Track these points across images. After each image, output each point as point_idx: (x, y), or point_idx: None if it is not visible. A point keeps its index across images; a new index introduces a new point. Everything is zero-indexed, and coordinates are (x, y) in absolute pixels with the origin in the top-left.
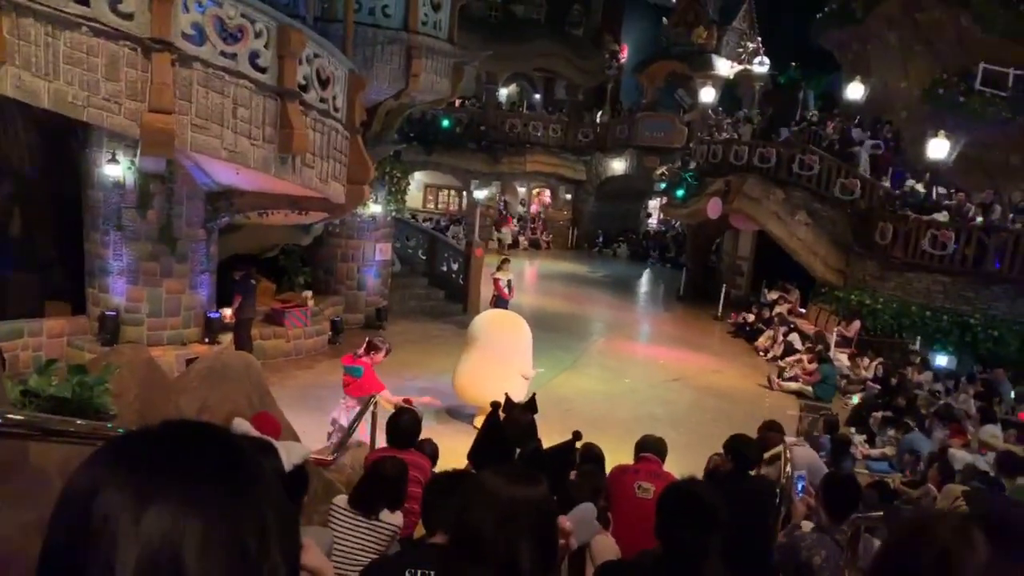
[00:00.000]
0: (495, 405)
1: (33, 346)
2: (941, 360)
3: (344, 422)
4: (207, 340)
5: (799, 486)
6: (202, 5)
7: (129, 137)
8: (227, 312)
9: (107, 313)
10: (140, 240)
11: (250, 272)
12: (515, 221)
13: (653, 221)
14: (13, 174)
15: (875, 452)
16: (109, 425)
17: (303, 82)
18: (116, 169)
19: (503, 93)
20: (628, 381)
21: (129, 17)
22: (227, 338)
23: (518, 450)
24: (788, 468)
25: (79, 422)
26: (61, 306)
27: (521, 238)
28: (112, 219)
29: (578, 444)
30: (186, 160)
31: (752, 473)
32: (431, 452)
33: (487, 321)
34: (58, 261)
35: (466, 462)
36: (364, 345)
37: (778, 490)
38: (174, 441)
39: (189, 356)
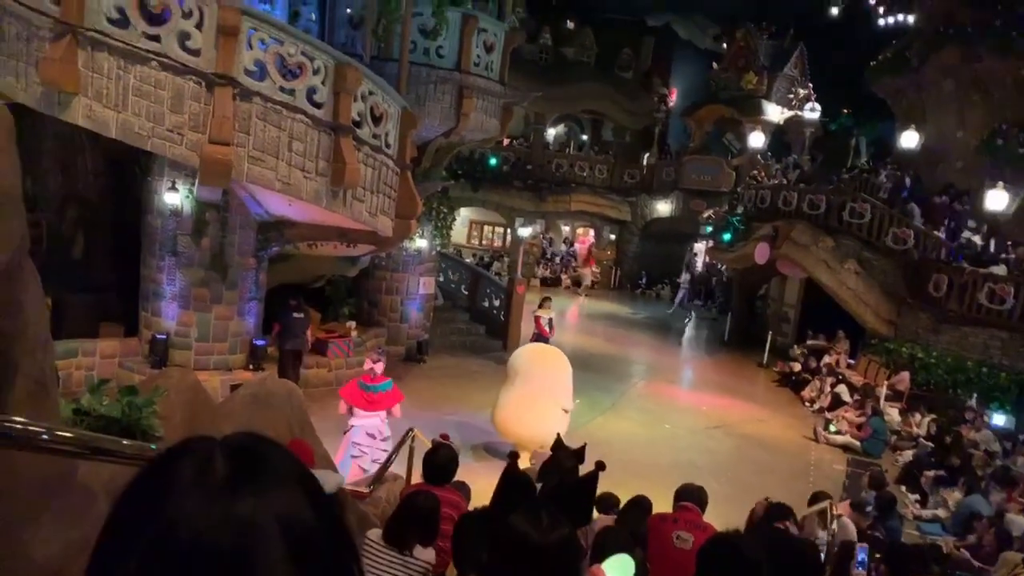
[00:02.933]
0: (513, 456)
1: (86, 366)
2: (999, 419)
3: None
4: (251, 367)
5: (860, 557)
6: (265, 43)
7: (189, 167)
8: (269, 339)
9: (158, 336)
10: (193, 266)
11: (299, 303)
12: (558, 260)
13: (699, 264)
14: (79, 200)
15: (927, 513)
16: (153, 447)
17: (357, 118)
18: (175, 197)
19: (551, 133)
20: (668, 427)
21: (196, 53)
22: (272, 366)
23: (539, 485)
24: (834, 525)
25: (126, 442)
26: (115, 328)
27: (563, 276)
28: (168, 245)
29: (616, 484)
30: (241, 190)
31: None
32: (465, 493)
33: (528, 355)
34: (114, 284)
35: None
36: (373, 363)
37: (822, 551)
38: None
39: (234, 382)
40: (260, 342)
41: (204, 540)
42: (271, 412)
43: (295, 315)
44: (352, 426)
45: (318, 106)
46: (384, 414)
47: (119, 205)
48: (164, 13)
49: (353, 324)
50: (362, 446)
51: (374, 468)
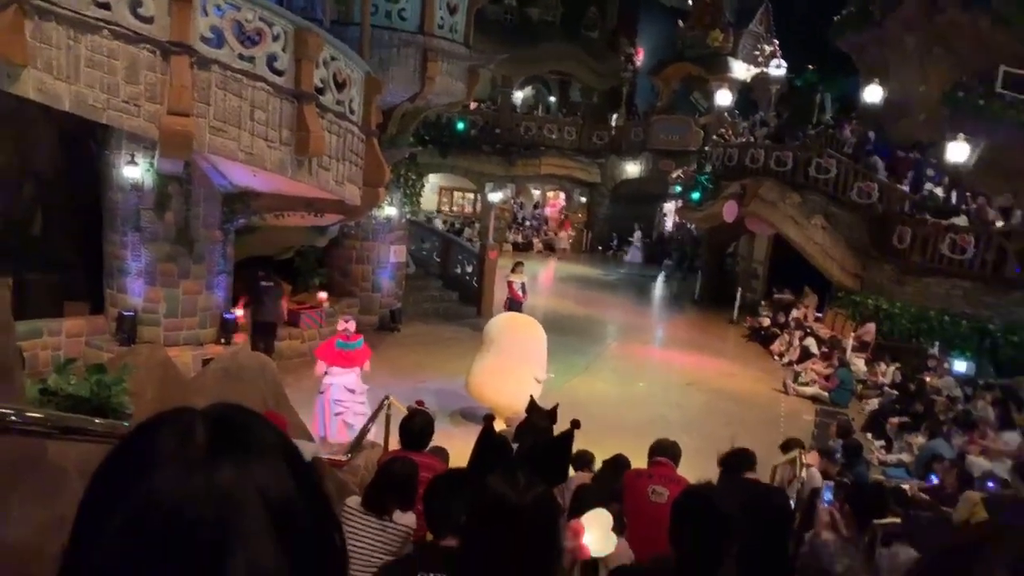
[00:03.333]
0: (488, 419)
1: (52, 346)
2: (960, 366)
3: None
4: (223, 341)
5: (826, 496)
6: (221, 9)
7: (148, 139)
8: (239, 313)
9: (125, 313)
10: (158, 241)
11: (267, 274)
12: (528, 224)
13: (668, 224)
14: (34, 176)
15: (892, 458)
16: (126, 424)
17: (320, 85)
18: (135, 171)
19: (518, 96)
20: (642, 385)
21: (149, 20)
22: (241, 338)
23: (515, 445)
24: (803, 473)
25: (97, 421)
26: (79, 306)
27: (535, 240)
28: (131, 220)
29: (594, 442)
30: (203, 162)
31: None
32: (443, 458)
33: (503, 323)
34: (77, 262)
35: None
36: (346, 323)
37: (792, 496)
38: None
39: (205, 356)
40: (230, 315)
41: (185, 511)
42: (244, 385)
43: (263, 284)
44: (329, 385)
45: (279, 73)
46: (359, 370)
47: (78, 180)
48: None
49: (324, 295)
50: (343, 402)
51: (357, 421)
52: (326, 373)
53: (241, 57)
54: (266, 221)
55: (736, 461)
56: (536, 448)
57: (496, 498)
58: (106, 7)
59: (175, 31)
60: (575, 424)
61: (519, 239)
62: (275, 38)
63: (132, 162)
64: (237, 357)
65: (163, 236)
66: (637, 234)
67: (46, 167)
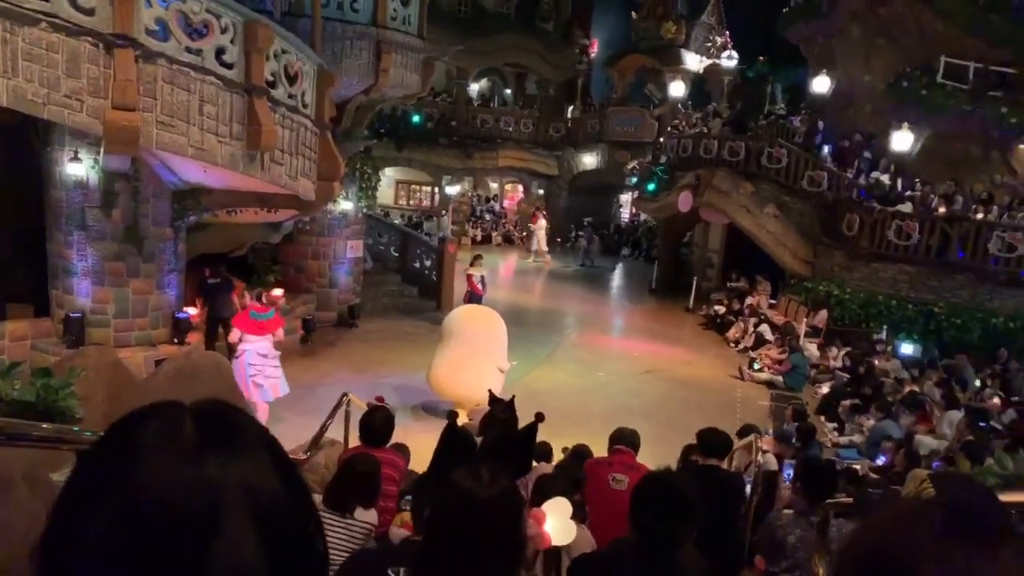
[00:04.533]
0: (452, 416)
1: None
2: (907, 348)
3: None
4: (175, 341)
5: (786, 473)
6: (165, 0)
7: (92, 135)
8: (193, 312)
9: (72, 315)
10: (105, 240)
11: (214, 271)
12: (488, 217)
13: (625, 215)
14: None
15: (844, 440)
16: (75, 429)
17: (271, 78)
18: (79, 168)
19: (474, 88)
20: (602, 374)
21: (90, 12)
22: (195, 338)
23: (479, 439)
24: (760, 457)
25: (44, 426)
26: (23, 309)
27: (494, 234)
28: (76, 219)
29: (553, 432)
30: (152, 158)
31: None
32: (404, 454)
33: (462, 315)
34: (19, 263)
35: None
36: (257, 295)
37: (748, 480)
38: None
39: (158, 357)
40: (183, 315)
41: (171, 503)
42: (198, 385)
43: (211, 282)
44: (244, 351)
45: (228, 67)
46: (271, 337)
47: (19, 178)
48: None
49: (280, 292)
50: (256, 365)
51: (268, 383)
52: (240, 340)
53: (188, 50)
54: (218, 218)
55: (716, 442)
56: (500, 441)
57: (461, 492)
58: None
59: (118, 23)
60: (539, 417)
61: (478, 232)
62: (223, 30)
63: (76, 159)
64: (191, 357)
65: (110, 235)
66: (587, 227)
67: None
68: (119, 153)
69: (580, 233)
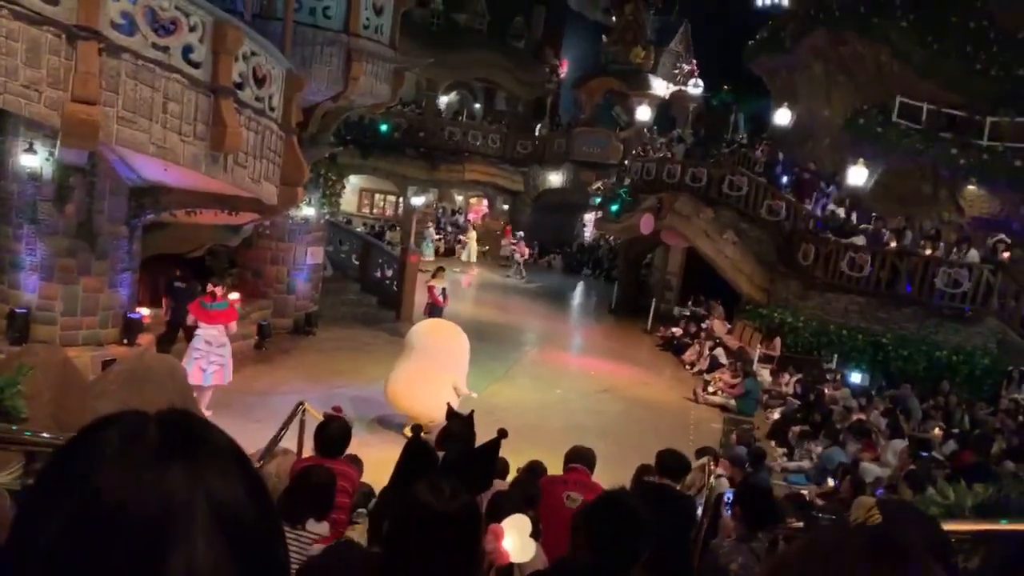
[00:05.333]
0: (416, 429)
1: None
2: (855, 377)
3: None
4: (126, 341)
5: (727, 496)
6: None
7: (48, 127)
8: (145, 312)
9: (17, 310)
10: (56, 235)
11: (183, 275)
12: (450, 229)
13: (587, 234)
14: None
15: (792, 465)
16: (14, 427)
17: (238, 79)
18: (33, 159)
19: (443, 101)
20: (559, 392)
21: (54, 2)
22: (146, 339)
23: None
24: (712, 480)
25: None
26: None
27: (457, 247)
28: (26, 212)
29: (511, 449)
30: (110, 154)
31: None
32: (357, 466)
33: (425, 329)
34: None
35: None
36: (215, 289)
37: (700, 502)
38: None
39: (106, 358)
40: (135, 315)
41: (129, 507)
42: (150, 388)
43: (176, 285)
44: (196, 335)
45: (195, 66)
46: (222, 327)
47: None
48: None
49: (237, 295)
50: (200, 350)
51: (211, 368)
52: (196, 326)
53: (155, 46)
54: (177, 218)
55: (675, 464)
56: (462, 456)
57: (421, 505)
58: None
59: (82, 15)
60: (502, 433)
61: (440, 244)
62: (192, 28)
63: (30, 150)
64: (143, 359)
65: (62, 230)
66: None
67: None
68: (76, 147)
69: (512, 244)
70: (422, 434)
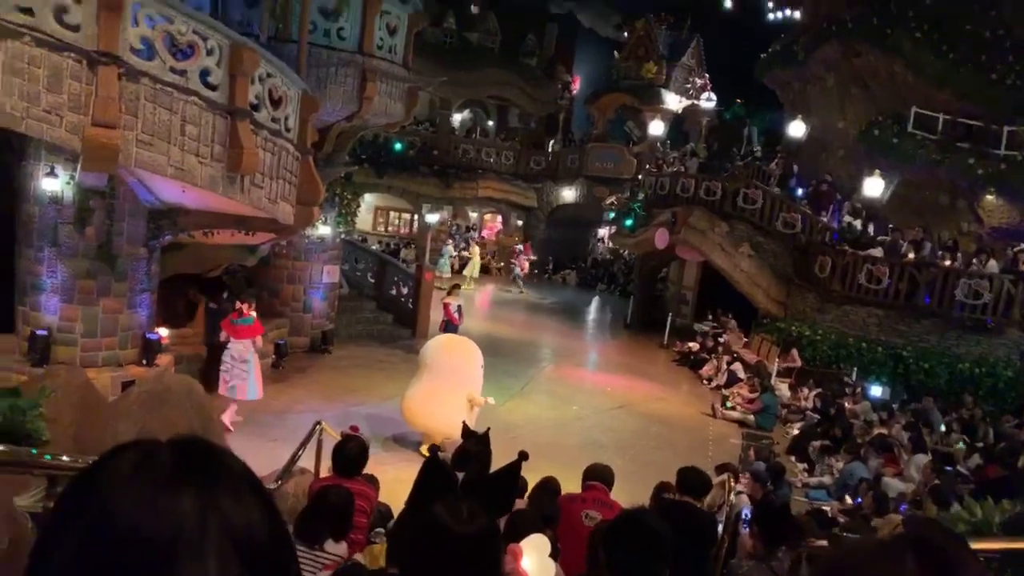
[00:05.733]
0: (433, 449)
1: None
2: (876, 390)
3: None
4: (145, 362)
5: (745, 513)
6: (152, 20)
7: (70, 151)
8: (164, 333)
9: (38, 332)
10: (77, 257)
11: (216, 298)
12: (462, 246)
13: (601, 249)
14: None
15: (813, 480)
16: (34, 451)
17: (255, 101)
18: (54, 183)
19: (457, 119)
20: (575, 408)
21: (75, 29)
22: (165, 360)
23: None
24: (732, 497)
25: (1, 447)
26: None
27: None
28: (48, 235)
29: (526, 465)
30: (129, 176)
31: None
32: (374, 485)
33: (438, 345)
34: None
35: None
36: (242, 306)
37: (720, 520)
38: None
39: (126, 378)
40: (154, 335)
41: (141, 531)
42: (170, 409)
43: (210, 306)
44: (225, 350)
45: (213, 88)
46: (249, 342)
47: None
48: None
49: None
50: (227, 363)
51: (237, 383)
52: (228, 341)
53: (173, 70)
54: (194, 238)
55: (696, 482)
56: (482, 479)
57: (439, 528)
58: (29, 12)
59: (103, 41)
60: (523, 456)
61: (455, 262)
62: (209, 52)
63: (52, 174)
64: (163, 379)
65: (83, 252)
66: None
67: None
68: (97, 170)
69: (512, 260)
70: (439, 453)
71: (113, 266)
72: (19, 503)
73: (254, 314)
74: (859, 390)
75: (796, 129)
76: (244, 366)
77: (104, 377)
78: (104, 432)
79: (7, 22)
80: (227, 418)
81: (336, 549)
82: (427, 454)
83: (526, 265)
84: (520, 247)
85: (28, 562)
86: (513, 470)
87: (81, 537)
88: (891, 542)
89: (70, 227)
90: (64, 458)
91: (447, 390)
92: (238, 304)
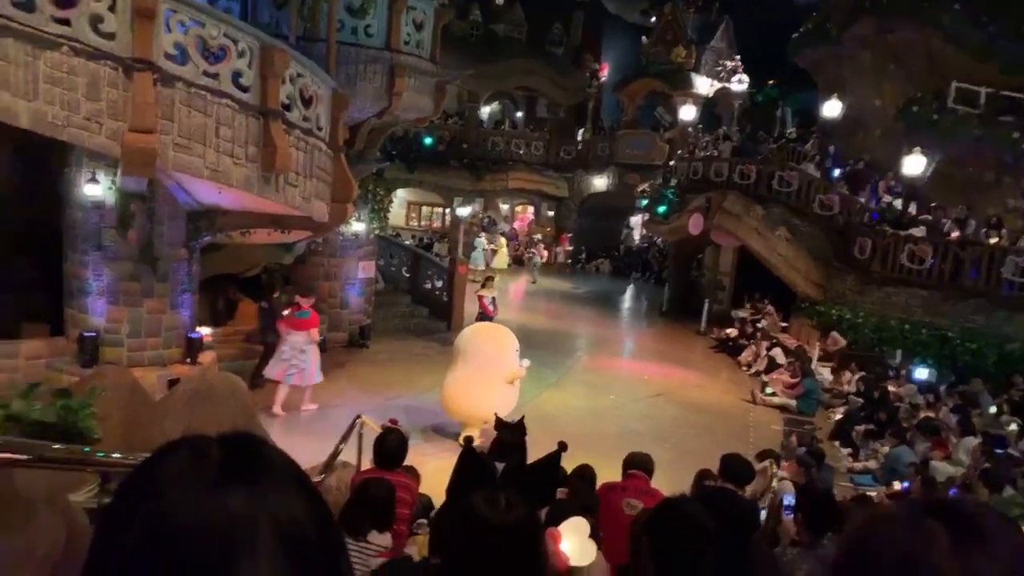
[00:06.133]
0: (468, 441)
1: (10, 368)
2: (921, 373)
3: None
4: (189, 360)
5: (787, 501)
6: (184, 25)
7: (110, 157)
8: (205, 331)
9: (86, 334)
10: (120, 260)
11: (267, 298)
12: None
13: (636, 237)
14: None
15: (858, 466)
16: (87, 449)
17: (286, 101)
18: (96, 189)
19: (485, 111)
20: (612, 397)
21: (111, 37)
22: (207, 358)
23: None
24: (775, 484)
25: (55, 447)
26: (39, 327)
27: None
28: (92, 239)
29: (564, 455)
30: (168, 179)
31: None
32: (414, 477)
33: (471, 334)
34: (36, 282)
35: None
36: (300, 300)
37: (762, 507)
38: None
39: (171, 377)
40: (196, 334)
41: (194, 529)
42: (214, 407)
43: (262, 305)
44: (285, 340)
45: (245, 90)
46: (305, 334)
47: (36, 199)
48: None
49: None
50: (287, 353)
51: (294, 371)
52: (287, 334)
53: (206, 74)
54: (232, 239)
55: (740, 471)
56: (521, 469)
57: (476, 518)
58: (66, 23)
59: (137, 48)
60: (562, 446)
61: (489, 255)
62: (240, 54)
63: (93, 180)
64: (207, 378)
65: (126, 255)
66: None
67: (2, 186)
68: (137, 175)
69: (531, 250)
70: (478, 442)
71: (155, 268)
72: (75, 499)
73: (310, 308)
74: (903, 373)
75: (831, 109)
76: (303, 356)
77: (150, 376)
78: (152, 430)
79: (46, 33)
80: (277, 407)
81: (380, 540)
82: (461, 443)
83: (545, 254)
84: (538, 237)
85: (86, 559)
86: (553, 461)
87: (137, 535)
88: (921, 510)
89: (113, 231)
90: (115, 455)
91: (484, 376)
92: (297, 298)
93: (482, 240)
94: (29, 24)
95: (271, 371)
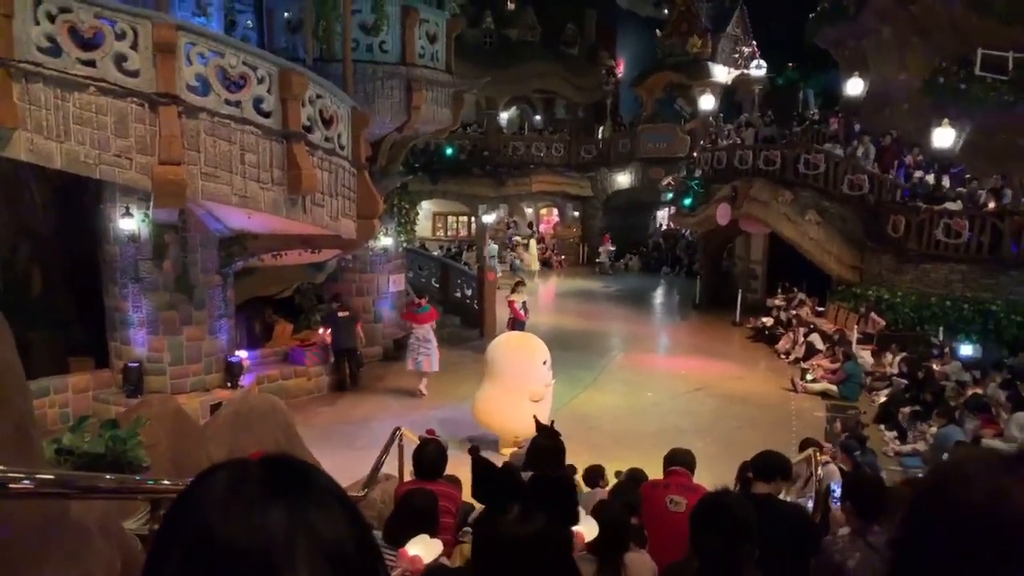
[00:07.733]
0: (474, 450)
1: (60, 403)
2: (966, 350)
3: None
4: (229, 384)
5: (835, 490)
6: (204, 57)
7: (141, 190)
8: (243, 355)
9: (130, 364)
10: (158, 290)
11: (342, 304)
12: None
13: (660, 225)
14: (30, 235)
15: (906, 448)
16: (137, 477)
17: (307, 123)
18: (130, 223)
19: (504, 117)
20: (650, 394)
21: (135, 74)
22: (248, 381)
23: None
24: (820, 471)
25: (108, 477)
26: (84, 361)
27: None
28: (129, 272)
29: (605, 455)
30: (198, 208)
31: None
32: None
33: (500, 346)
34: (78, 317)
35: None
36: (420, 300)
37: (809, 495)
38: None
39: (213, 401)
40: (235, 359)
41: (237, 545)
42: (256, 428)
43: (340, 315)
44: (412, 334)
45: (266, 115)
46: (428, 326)
47: (73, 236)
48: (96, 37)
49: (328, 330)
50: (414, 344)
51: (423, 359)
52: (412, 327)
53: (228, 102)
54: (264, 262)
55: (767, 466)
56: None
57: (494, 531)
58: (91, 64)
59: (161, 82)
60: (572, 469)
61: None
62: (260, 81)
63: (127, 214)
64: (247, 400)
65: (162, 285)
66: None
67: (41, 226)
68: (168, 206)
69: (634, 252)
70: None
71: (191, 296)
72: (128, 526)
73: (427, 304)
74: (947, 350)
75: (854, 87)
76: (428, 345)
77: (194, 402)
78: (198, 454)
79: (73, 75)
80: (422, 387)
81: None
82: (505, 454)
83: (526, 257)
84: (517, 238)
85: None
86: (564, 484)
87: (184, 555)
88: (1015, 456)
89: (149, 263)
90: (165, 482)
91: (511, 390)
92: (415, 297)
93: (493, 247)
94: (57, 68)
95: (409, 362)
